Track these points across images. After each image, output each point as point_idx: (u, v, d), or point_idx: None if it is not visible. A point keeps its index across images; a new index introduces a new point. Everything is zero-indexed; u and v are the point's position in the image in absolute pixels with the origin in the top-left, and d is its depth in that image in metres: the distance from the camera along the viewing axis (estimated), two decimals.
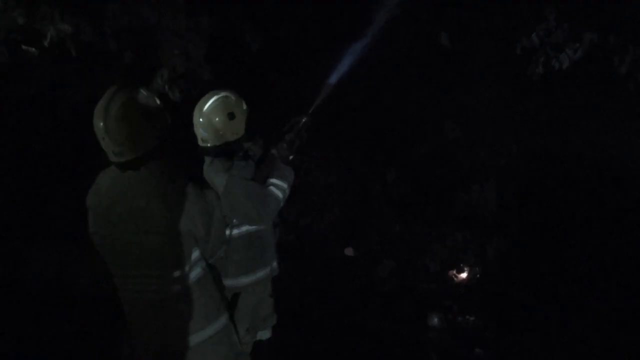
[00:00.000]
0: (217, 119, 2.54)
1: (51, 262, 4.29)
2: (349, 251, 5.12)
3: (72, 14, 3.24)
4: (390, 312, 4.28)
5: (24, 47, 3.16)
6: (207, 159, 2.60)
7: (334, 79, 3.02)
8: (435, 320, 4.14)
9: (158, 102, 2.07)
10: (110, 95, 1.97)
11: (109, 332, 3.19)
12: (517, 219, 5.08)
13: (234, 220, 2.58)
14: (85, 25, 3.31)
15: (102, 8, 3.51)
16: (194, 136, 2.66)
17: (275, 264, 2.89)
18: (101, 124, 1.94)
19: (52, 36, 3.18)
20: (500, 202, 5.19)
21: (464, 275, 4.74)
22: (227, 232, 2.51)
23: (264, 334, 3.13)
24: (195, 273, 2.13)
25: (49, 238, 4.37)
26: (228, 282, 2.66)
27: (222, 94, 2.59)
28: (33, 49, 3.25)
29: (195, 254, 2.13)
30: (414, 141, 5.84)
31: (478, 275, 4.72)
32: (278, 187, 2.58)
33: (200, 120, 2.57)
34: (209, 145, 2.59)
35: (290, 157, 2.83)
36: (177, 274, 2.06)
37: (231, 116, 2.55)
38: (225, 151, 2.57)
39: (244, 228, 2.62)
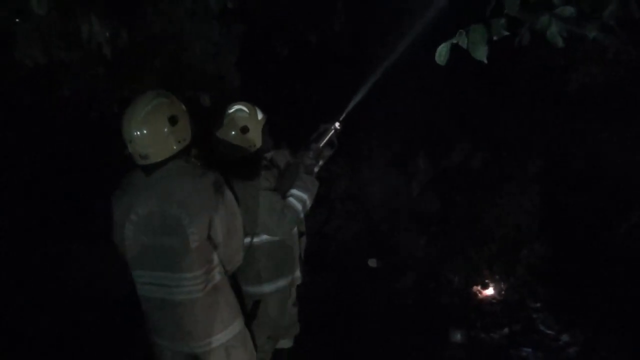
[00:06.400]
0: (232, 133, 2.54)
1: (87, 263, 4.36)
2: (372, 262, 5.08)
3: (108, 18, 3.30)
4: (412, 325, 4.22)
5: (59, 51, 3.22)
6: (229, 170, 2.61)
7: (365, 87, 2.96)
8: (457, 336, 4.07)
9: (184, 107, 2.13)
10: (137, 101, 2.03)
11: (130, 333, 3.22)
12: (545, 234, 4.96)
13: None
14: (121, 29, 3.36)
15: (135, 12, 3.56)
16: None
17: (298, 273, 2.86)
18: (128, 128, 2.01)
19: (89, 41, 3.24)
20: (527, 216, 5.08)
21: (488, 291, 4.65)
22: (248, 240, 2.50)
23: (286, 343, 3.12)
24: (213, 278, 2.16)
25: (81, 239, 4.45)
26: (249, 289, 2.66)
27: (235, 107, 2.56)
28: (69, 53, 3.30)
29: (214, 260, 2.16)
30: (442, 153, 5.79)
31: (503, 292, 4.62)
32: (298, 198, 2.54)
33: (217, 134, 2.57)
34: (228, 157, 2.58)
35: (318, 166, 2.79)
36: (195, 277, 2.09)
37: (244, 129, 2.53)
38: (245, 162, 2.56)
39: (265, 237, 2.59)
